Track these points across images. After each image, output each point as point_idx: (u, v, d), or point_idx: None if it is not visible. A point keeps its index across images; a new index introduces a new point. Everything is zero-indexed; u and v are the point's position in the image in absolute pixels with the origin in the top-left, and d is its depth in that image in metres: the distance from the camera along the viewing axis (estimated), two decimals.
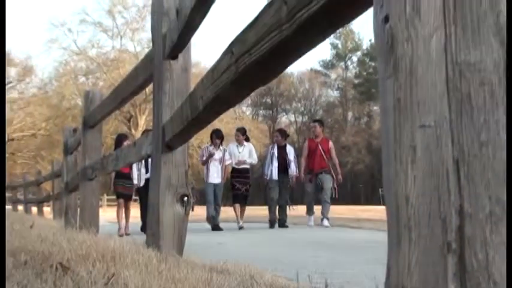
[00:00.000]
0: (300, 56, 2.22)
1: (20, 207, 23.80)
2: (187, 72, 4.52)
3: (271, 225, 14.52)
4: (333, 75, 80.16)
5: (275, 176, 14.68)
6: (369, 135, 70.91)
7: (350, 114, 78.09)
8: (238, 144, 15.12)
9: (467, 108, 1.23)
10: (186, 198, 4.41)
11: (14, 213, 14.77)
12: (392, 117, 1.26)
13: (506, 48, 1.19)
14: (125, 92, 5.82)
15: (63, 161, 11.20)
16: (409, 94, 1.24)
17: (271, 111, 79.66)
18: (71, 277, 1.75)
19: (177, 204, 4.35)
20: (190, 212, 13.37)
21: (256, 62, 2.33)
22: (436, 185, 1.22)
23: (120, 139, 14.02)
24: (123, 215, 13.49)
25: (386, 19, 1.26)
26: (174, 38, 4.15)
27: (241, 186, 14.69)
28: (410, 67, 1.23)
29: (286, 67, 2.42)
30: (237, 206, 14.81)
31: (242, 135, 15.33)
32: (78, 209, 8.40)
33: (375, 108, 72.91)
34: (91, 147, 7.83)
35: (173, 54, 4.36)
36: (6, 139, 59.36)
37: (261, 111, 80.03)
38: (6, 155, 60.09)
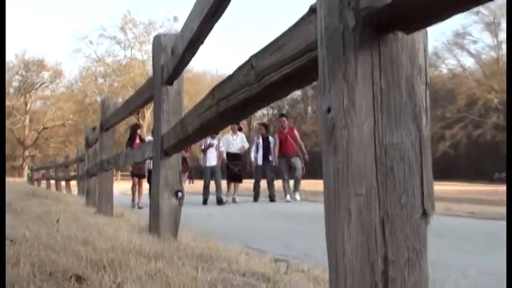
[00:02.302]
0: (265, 106, 2.21)
1: (52, 181, 23.61)
2: (180, 95, 4.49)
3: (255, 199, 14.66)
4: None
5: (260, 161, 14.75)
6: None
7: (310, 108, 78.02)
8: (232, 133, 14.95)
9: (390, 179, 1.24)
10: (179, 194, 4.39)
11: (46, 193, 14.50)
12: (333, 186, 1.25)
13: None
14: (133, 105, 5.79)
15: (85, 152, 11.14)
16: (346, 169, 1.23)
17: None
18: None
19: (172, 198, 4.33)
20: (191, 184, 13.21)
21: (232, 107, 2.32)
22: (366, 240, 1.22)
23: (135, 128, 14.14)
24: (136, 191, 13.50)
25: (328, 109, 1.25)
26: (170, 70, 4.12)
27: (235, 168, 14.65)
28: (347, 147, 1.23)
29: (255, 112, 2.41)
30: (231, 184, 14.81)
31: (237, 125, 15.30)
32: (97, 190, 8.31)
33: None
34: (106, 145, 7.80)
35: (169, 81, 4.32)
36: (41, 128, 59.09)
37: None
38: (42, 141, 59.88)
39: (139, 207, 12.54)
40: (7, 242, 2.17)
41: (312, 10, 1.45)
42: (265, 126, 16.12)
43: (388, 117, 1.23)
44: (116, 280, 1.91)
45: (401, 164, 1.24)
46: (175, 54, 3.83)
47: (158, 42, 4.42)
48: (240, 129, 15.43)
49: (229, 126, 15.41)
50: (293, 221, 9.01)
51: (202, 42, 3.38)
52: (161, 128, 4.38)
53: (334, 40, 1.24)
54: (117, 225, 4.83)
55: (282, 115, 17.05)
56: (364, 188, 1.22)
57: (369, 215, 1.22)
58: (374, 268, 1.22)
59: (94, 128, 10.15)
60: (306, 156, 14.90)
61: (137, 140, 13.76)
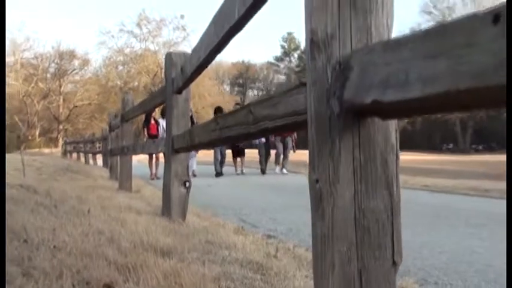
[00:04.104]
0: (259, 138, 2.19)
1: (81, 153, 23.53)
2: (188, 101, 4.46)
3: (263, 173, 14.43)
4: (282, 65, 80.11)
5: (263, 140, 14.59)
6: None
7: None
8: None
9: (367, 236, 1.22)
10: (187, 183, 4.38)
11: (77, 167, 14.43)
12: (320, 245, 1.24)
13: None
14: (148, 106, 5.76)
15: (109, 135, 11.09)
16: (331, 230, 1.22)
17: (242, 88, 79.40)
18: None
19: (181, 187, 4.32)
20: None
21: (232, 136, 2.30)
22: (347, 287, 1.22)
23: (150, 112, 13.89)
24: (153, 164, 13.37)
25: (317, 181, 1.23)
26: (179, 84, 4.08)
27: (238, 145, 14.48)
28: (331, 213, 1.21)
29: (251, 140, 2.39)
30: (236, 159, 14.60)
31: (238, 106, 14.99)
32: (119, 169, 8.27)
33: None
34: (126, 134, 7.75)
35: (179, 91, 4.28)
36: (72, 106, 58.89)
37: (235, 88, 79.64)
38: (73, 117, 59.75)
39: (157, 178, 12.50)
40: (51, 249, 2.15)
41: (302, 84, 1.42)
42: None
43: (366, 187, 1.22)
44: (138, 285, 1.90)
45: (376, 224, 1.23)
46: (184, 73, 3.79)
47: (170, 59, 4.37)
48: None
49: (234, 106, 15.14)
50: (280, 193, 8.98)
51: (206, 67, 3.35)
52: (172, 129, 4.35)
53: (321, 123, 1.22)
54: (135, 207, 4.82)
55: None
56: (346, 245, 1.21)
57: (349, 267, 1.22)
58: None
59: (116, 115, 10.08)
60: (295, 142, 14.87)
61: (152, 121, 13.69)
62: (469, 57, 0.80)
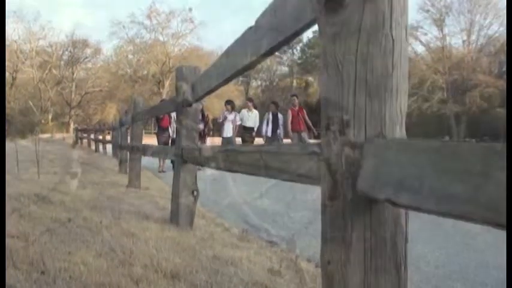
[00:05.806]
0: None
1: (90, 141, 23.52)
2: (197, 113, 4.43)
3: None
4: (285, 57, 79.63)
5: (269, 134, 14.14)
6: (306, 95, 70.28)
7: (295, 81, 77.44)
8: (248, 109, 14.10)
9: None
10: (195, 192, 4.36)
11: (88, 158, 14.34)
12: None
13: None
14: (157, 112, 5.73)
15: (119, 130, 11.05)
16: None
17: (246, 78, 79.27)
18: None
19: (189, 196, 4.31)
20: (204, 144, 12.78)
21: (241, 171, 2.27)
22: None
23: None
24: (161, 158, 13.16)
25: (329, 262, 1.21)
26: (189, 100, 4.05)
27: (248, 139, 13.94)
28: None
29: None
30: None
31: (250, 102, 14.79)
32: (128, 168, 8.22)
33: (310, 78, 72.61)
34: (136, 134, 7.70)
35: (189, 105, 4.25)
36: (84, 92, 58.88)
37: (240, 78, 79.52)
38: (84, 103, 59.76)
39: (163, 171, 12.45)
40: (67, 280, 2.14)
41: (315, 152, 1.40)
42: (276, 104, 15.33)
43: (375, 268, 1.20)
44: None
45: None
46: (195, 92, 3.76)
47: (180, 73, 4.32)
48: (255, 107, 14.56)
49: (246, 103, 14.83)
50: (281, 189, 8.90)
51: (216, 90, 3.32)
52: (182, 140, 4.32)
53: (335, 208, 1.19)
54: (145, 212, 4.81)
55: (293, 95, 15.96)
56: None
57: None
58: None
59: (126, 112, 10.06)
60: (315, 131, 14.36)
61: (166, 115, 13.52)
62: (485, 188, 0.78)
